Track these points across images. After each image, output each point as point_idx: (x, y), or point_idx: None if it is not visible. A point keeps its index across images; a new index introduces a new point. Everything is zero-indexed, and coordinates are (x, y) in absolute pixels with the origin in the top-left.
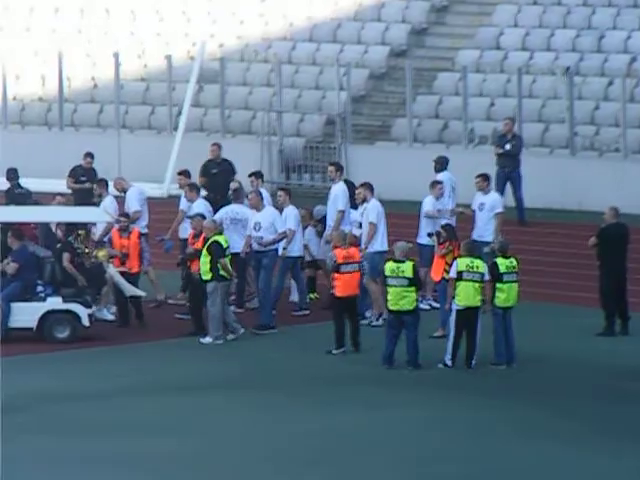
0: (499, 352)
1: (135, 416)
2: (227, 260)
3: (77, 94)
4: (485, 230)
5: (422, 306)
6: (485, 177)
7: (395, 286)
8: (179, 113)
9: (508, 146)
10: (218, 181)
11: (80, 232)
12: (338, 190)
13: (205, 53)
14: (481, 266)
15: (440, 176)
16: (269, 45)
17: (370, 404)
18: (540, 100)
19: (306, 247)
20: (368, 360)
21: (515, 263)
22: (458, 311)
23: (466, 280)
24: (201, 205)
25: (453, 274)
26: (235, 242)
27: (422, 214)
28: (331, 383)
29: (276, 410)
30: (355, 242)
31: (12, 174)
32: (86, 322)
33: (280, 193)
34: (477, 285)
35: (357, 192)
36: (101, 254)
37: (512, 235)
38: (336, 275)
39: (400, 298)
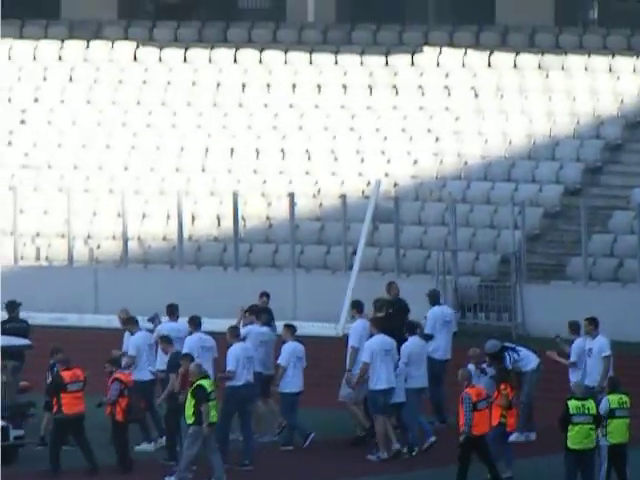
0: None
1: None
2: (212, 405)
3: (252, 234)
4: (598, 375)
5: None
6: (591, 321)
7: (581, 424)
8: (354, 252)
9: None
10: (394, 320)
11: None
12: (356, 327)
13: (380, 192)
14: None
15: (431, 310)
16: (443, 184)
17: None
18: None
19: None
20: None
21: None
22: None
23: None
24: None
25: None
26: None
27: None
28: None
29: None
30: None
31: (11, 306)
32: None
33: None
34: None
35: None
36: None
37: None
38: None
39: (585, 436)
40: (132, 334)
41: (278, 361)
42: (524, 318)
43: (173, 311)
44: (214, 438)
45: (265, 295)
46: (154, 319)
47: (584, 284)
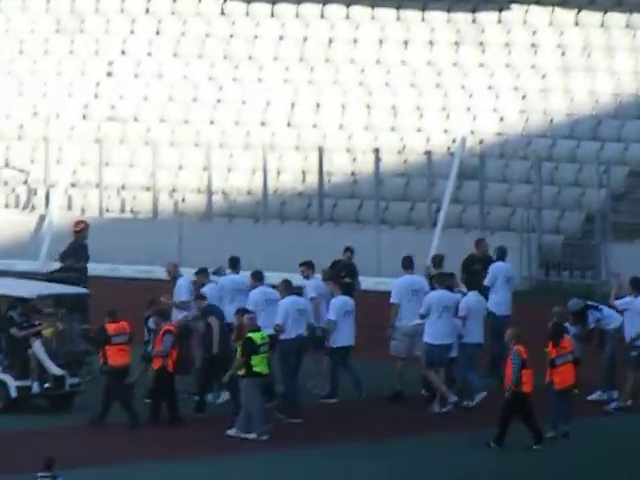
0: None
1: None
2: (262, 357)
3: (337, 189)
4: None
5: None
6: (633, 281)
7: None
8: (438, 209)
9: None
10: (480, 277)
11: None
12: (397, 283)
13: (465, 149)
14: None
15: (495, 265)
16: (529, 141)
17: None
18: None
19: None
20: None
21: None
22: None
23: None
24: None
25: None
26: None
27: None
28: None
29: None
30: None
31: (64, 256)
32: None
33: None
34: None
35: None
36: (47, 331)
37: None
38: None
39: None
40: (204, 285)
41: (328, 316)
42: (608, 277)
43: (235, 264)
44: (259, 389)
45: (349, 250)
46: (219, 272)
47: None
